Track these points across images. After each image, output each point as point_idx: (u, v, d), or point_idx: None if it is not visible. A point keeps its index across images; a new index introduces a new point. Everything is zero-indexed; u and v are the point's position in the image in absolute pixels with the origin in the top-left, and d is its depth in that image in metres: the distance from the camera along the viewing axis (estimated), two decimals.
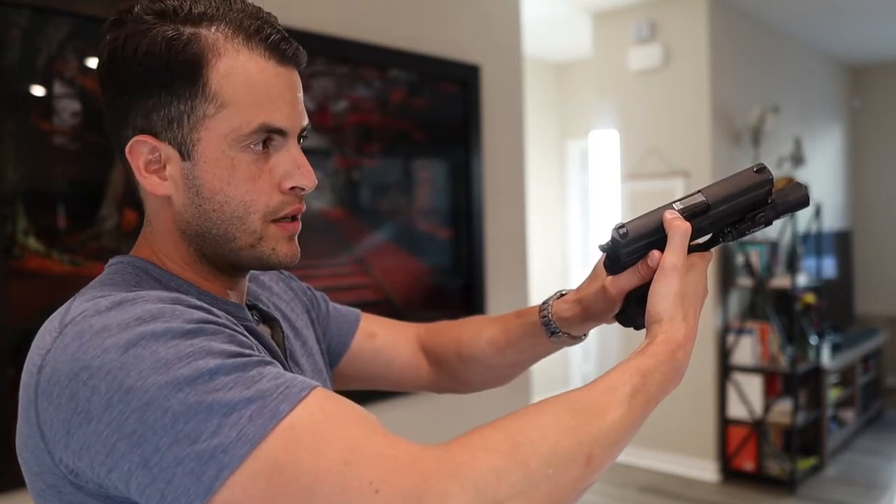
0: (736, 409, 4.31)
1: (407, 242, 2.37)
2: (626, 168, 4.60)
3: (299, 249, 0.76)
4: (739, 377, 4.30)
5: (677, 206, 0.78)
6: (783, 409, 4.22)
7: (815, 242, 4.87)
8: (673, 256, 0.75)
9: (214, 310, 0.66)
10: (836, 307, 5.24)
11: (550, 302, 0.93)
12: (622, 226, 0.78)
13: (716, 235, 0.82)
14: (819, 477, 4.39)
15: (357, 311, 1.06)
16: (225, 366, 0.58)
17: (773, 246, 4.40)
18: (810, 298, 4.52)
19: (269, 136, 0.70)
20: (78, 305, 0.63)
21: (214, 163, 0.69)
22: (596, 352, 5.18)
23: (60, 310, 0.65)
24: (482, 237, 2.59)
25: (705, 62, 4.28)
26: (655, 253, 0.77)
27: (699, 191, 0.80)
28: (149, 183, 0.71)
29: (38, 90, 1.57)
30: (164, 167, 0.70)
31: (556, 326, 0.92)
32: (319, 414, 0.57)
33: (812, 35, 5.30)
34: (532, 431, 0.61)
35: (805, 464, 4.35)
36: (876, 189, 6.50)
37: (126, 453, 0.56)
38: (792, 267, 4.33)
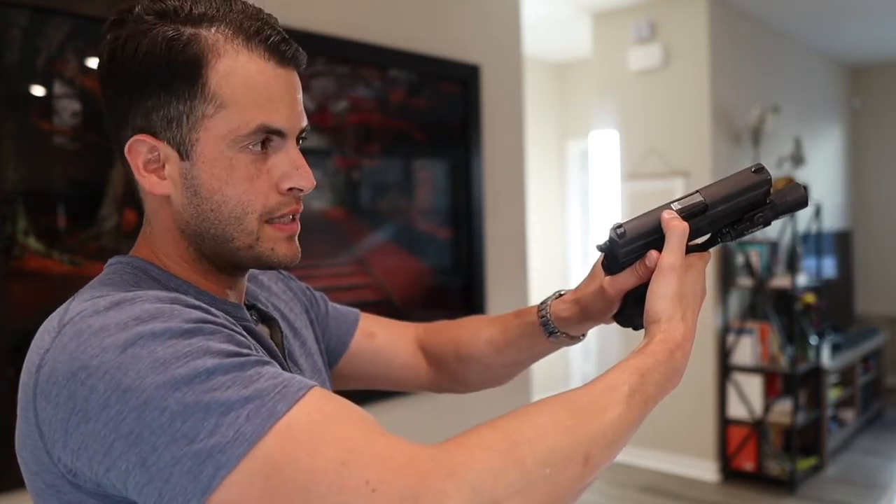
0: (736, 409, 4.31)
1: (407, 242, 2.37)
2: (626, 168, 4.60)
3: (300, 250, 0.76)
4: (739, 377, 4.30)
5: (675, 206, 0.78)
6: (783, 409, 4.22)
7: (815, 242, 4.87)
8: (671, 256, 0.75)
9: (213, 309, 0.66)
10: (836, 307, 5.24)
11: (549, 302, 0.94)
12: (620, 226, 0.78)
13: (714, 236, 0.82)
14: (819, 477, 4.39)
15: (356, 310, 1.06)
16: (223, 365, 0.58)
17: (773, 246, 4.40)
18: (810, 298, 4.52)
19: (267, 137, 0.70)
20: (77, 305, 0.64)
21: (213, 163, 0.69)
22: (596, 352, 5.18)
23: (59, 310, 0.65)
24: (482, 237, 2.59)
25: (705, 62, 4.28)
26: (653, 253, 0.77)
27: (697, 191, 0.80)
28: (148, 182, 0.71)
29: (38, 90, 1.57)
30: (163, 167, 0.70)
31: (555, 326, 0.92)
32: (317, 413, 0.57)
33: (812, 35, 5.30)
34: (529, 431, 0.61)
35: (805, 464, 4.35)
36: (876, 189, 6.50)
37: (124, 452, 0.56)
38: (792, 267, 4.33)
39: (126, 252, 0.77)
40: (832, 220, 5.84)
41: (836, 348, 4.83)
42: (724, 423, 4.35)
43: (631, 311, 0.85)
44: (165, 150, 0.70)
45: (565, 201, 6.05)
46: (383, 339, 1.04)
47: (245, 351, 0.61)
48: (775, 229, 4.40)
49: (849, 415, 5.04)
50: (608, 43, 4.68)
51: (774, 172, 4.65)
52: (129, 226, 1.69)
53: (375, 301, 2.25)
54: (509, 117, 2.75)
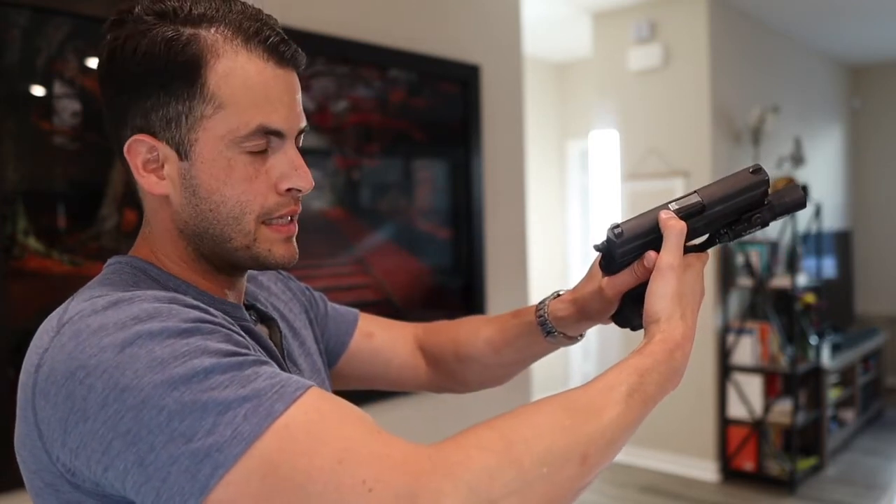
0: (736, 409, 4.31)
1: (407, 242, 2.37)
2: (626, 168, 4.60)
3: (297, 251, 0.76)
4: (739, 377, 4.30)
5: (673, 206, 0.78)
6: (783, 409, 4.22)
7: (815, 242, 4.87)
8: (669, 256, 0.75)
9: (211, 309, 0.66)
10: (836, 307, 5.24)
11: (547, 302, 0.93)
12: (617, 226, 0.78)
13: (712, 236, 0.82)
14: (819, 477, 4.39)
15: (355, 311, 1.06)
16: (220, 365, 0.58)
17: (773, 246, 4.40)
18: (810, 298, 4.52)
19: (266, 138, 0.70)
20: (75, 305, 0.64)
21: (211, 163, 0.69)
22: (596, 351, 5.18)
23: (58, 309, 0.65)
24: (482, 237, 2.59)
25: (705, 62, 4.28)
26: (652, 253, 0.77)
27: (695, 191, 0.80)
28: (146, 182, 0.71)
29: (38, 90, 1.57)
30: (162, 167, 0.71)
31: (552, 326, 0.92)
32: (314, 413, 0.58)
33: (812, 35, 5.30)
34: (527, 430, 0.60)
35: (805, 464, 4.35)
36: (876, 189, 6.50)
37: (122, 452, 0.56)
38: (792, 267, 4.33)
39: (126, 252, 0.77)
40: (832, 220, 5.84)
41: (836, 348, 4.83)
42: (724, 423, 4.35)
43: (629, 311, 0.85)
44: (164, 150, 0.70)
45: (565, 201, 6.05)
46: (382, 339, 1.04)
47: (243, 351, 0.62)
48: (775, 229, 4.40)
49: (849, 415, 5.04)
50: (608, 43, 4.68)
51: (774, 172, 4.65)
52: (129, 226, 1.69)
53: (375, 301, 2.25)
54: (509, 117, 2.76)
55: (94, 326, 0.60)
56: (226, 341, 0.61)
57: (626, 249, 0.78)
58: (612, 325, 0.90)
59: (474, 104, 2.56)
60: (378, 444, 0.57)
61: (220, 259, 0.74)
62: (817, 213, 4.84)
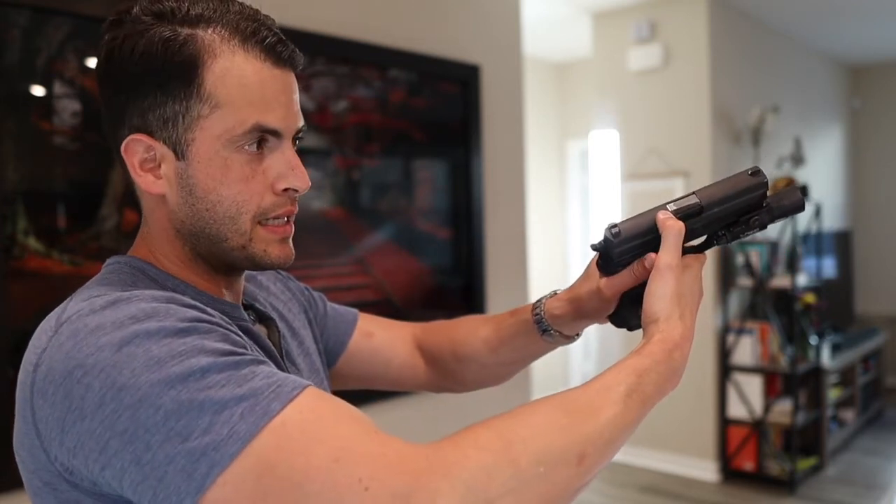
0: (736, 409, 4.31)
1: (407, 242, 2.37)
2: (626, 168, 4.60)
3: (293, 252, 0.76)
4: (739, 377, 4.30)
5: (671, 206, 0.78)
6: (783, 409, 4.22)
7: (815, 242, 4.87)
8: (667, 256, 0.75)
9: (209, 309, 0.66)
10: (836, 307, 5.24)
11: (543, 300, 0.94)
12: (615, 226, 0.78)
13: (710, 238, 0.82)
14: (819, 477, 4.39)
15: (354, 310, 1.06)
16: (217, 364, 0.58)
17: (773, 246, 4.40)
18: (810, 298, 4.52)
19: (263, 137, 0.70)
20: (74, 305, 0.64)
21: (208, 163, 0.69)
22: (596, 351, 5.18)
23: (57, 309, 0.66)
24: (482, 237, 2.59)
25: (705, 62, 4.28)
26: (652, 255, 0.77)
27: (693, 192, 0.80)
28: (143, 181, 0.71)
29: (38, 90, 1.57)
30: (159, 166, 0.71)
31: (548, 324, 0.92)
32: (310, 413, 0.58)
33: (812, 35, 5.30)
34: (524, 430, 0.60)
35: (805, 464, 4.35)
36: (876, 189, 6.50)
37: (119, 451, 0.57)
38: (792, 267, 4.33)
39: (125, 252, 0.77)
40: (832, 220, 5.84)
41: (836, 348, 4.83)
42: (724, 423, 4.35)
43: (626, 311, 0.85)
44: (161, 149, 0.70)
45: (565, 201, 6.05)
46: (381, 339, 1.04)
47: (240, 350, 0.62)
48: (775, 229, 4.40)
49: (849, 415, 5.04)
50: (608, 43, 4.68)
51: (774, 172, 4.65)
52: (129, 226, 1.69)
53: (375, 301, 2.26)
54: (509, 117, 2.76)
55: (92, 326, 0.60)
56: (223, 341, 0.61)
57: (623, 250, 0.78)
58: (613, 325, 0.90)
59: (474, 104, 2.56)
60: (374, 444, 0.57)
61: (216, 259, 0.74)
62: (817, 213, 4.84)
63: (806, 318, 4.49)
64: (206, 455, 0.55)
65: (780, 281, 4.28)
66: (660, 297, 0.74)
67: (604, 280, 0.84)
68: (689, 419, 4.38)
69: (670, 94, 4.42)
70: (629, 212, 4.43)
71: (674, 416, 4.36)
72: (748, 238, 0.87)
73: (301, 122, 0.74)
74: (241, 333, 0.67)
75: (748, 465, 4.29)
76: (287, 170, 0.72)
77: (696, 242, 0.82)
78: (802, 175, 5.00)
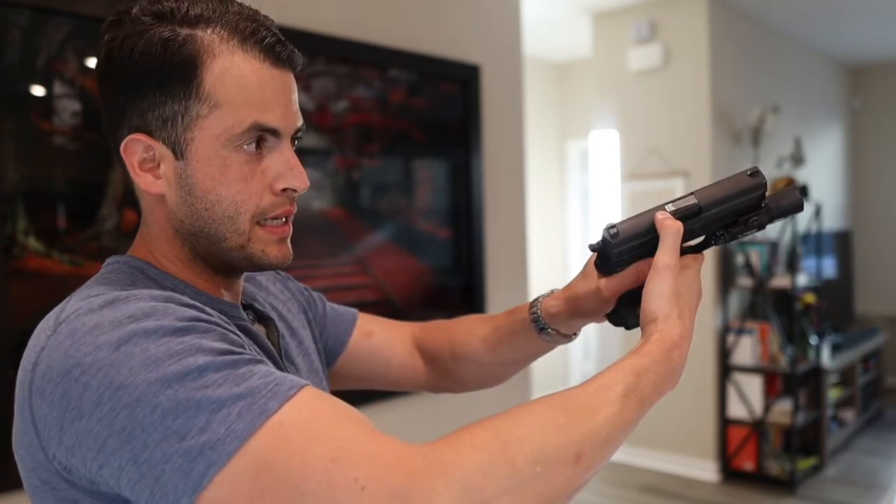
0: (736, 409, 4.31)
1: (407, 242, 2.37)
2: (626, 168, 4.60)
3: (291, 252, 0.77)
4: (739, 377, 4.30)
5: (669, 207, 0.78)
6: (783, 409, 4.22)
7: (815, 242, 4.87)
8: (665, 256, 0.75)
9: (207, 308, 0.66)
10: (836, 307, 5.24)
11: (540, 299, 0.94)
12: (613, 226, 0.78)
13: (708, 238, 0.82)
14: (819, 477, 4.39)
15: (354, 310, 1.06)
16: (215, 363, 0.58)
17: (773, 246, 4.40)
18: (810, 298, 4.52)
19: (261, 137, 0.71)
20: (73, 304, 0.64)
21: (207, 162, 0.70)
22: (596, 351, 5.18)
23: (56, 308, 0.66)
24: (482, 237, 2.59)
25: (705, 62, 4.28)
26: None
27: (692, 193, 0.80)
28: (143, 181, 0.72)
29: (38, 90, 1.57)
30: (158, 166, 0.71)
31: (545, 322, 0.92)
32: (308, 412, 0.58)
33: (812, 35, 5.30)
34: (520, 430, 0.60)
35: (805, 464, 4.35)
36: (876, 189, 6.50)
37: (116, 450, 0.57)
38: (792, 267, 4.33)
39: (124, 252, 0.77)
40: (832, 220, 5.84)
41: (836, 348, 4.83)
42: (724, 423, 4.35)
43: (624, 311, 0.85)
44: (160, 149, 0.70)
45: (565, 201, 6.05)
46: (381, 339, 1.04)
47: (238, 349, 0.62)
48: (775, 229, 4.40)
49: (849, 415, 5.04)
50: (608, 43, 4.68)
51: (774, 172, 4.65)
52: (129, 226, 1.69)
53: (375, 301, 2.26)
54: (509, 117, 2.76)
55: (90, 325, 0.60)
56: (221, 340, 0.62)
57: (621, 250, 0.78)
58: (611, 324, 0.90)
59: (474, 104, 2.56)
60: (372, 444, 0.56)
61: (214, 259, 0.74)
62: (817, 213, 4.84)
63: (806, 318, 4.49)
64: (203, 454, 0.55)
65: (780, 281, 4.29)
66: (658, 297, 0.74)
67: (603, 280, 0.84)
68: (689, 419, 4.38)
69: (670, 94, 4.42)
70: (629, 212, 4.43)
71: (674, 415, 4.36)
72: (748, 238, 0.87)
73: (300, 122, 0.74)
74: (239, 333, 0.67)
75: (748, 465, 4.29)
76: (286, 170, 0.72)
77: (694, 242, 0.82)
78: (802, 175, 5.00)
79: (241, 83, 0.68)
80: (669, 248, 0.75)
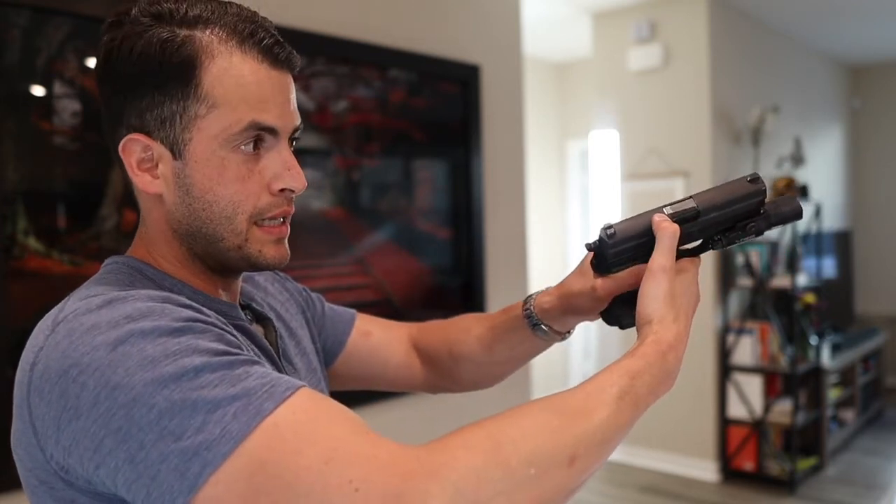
0: (736, 409, 4.31)
1: (407, 242, 2.38)
2: (626, 168, 4.60)
3: (289, 252, 0.77)
4: (739, 377, 4.30)
5: (667, 210, 0.78)
6: (783, 409, 4.22)
7: (815, 242, 4.87)
8: (662, 258, 0.75)
9: (204, 309, 0.66)
10: (836, 307, 5.24)
11: (534, 295, 0.94)
12: (610, 226, 0.78)
13: (705, 242, 0.82)
14: (819, 477, 4.39)
15: (352, 310, 1.07)
16: (211, 364, 0.58)
17: (773, 246, 4.40)
18: (810, 298, 4.52)
19: (259, 136, 0.71)
20: (71, 304, 0.64)
21: (205, 162, 0.70)
22: (596, 351, 5.18)
23: (55, 309, 0.66)
24: (482, 237, 2.59)
25: (705, 62, 4.28)
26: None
27: (691, 196, 0.79)
28: (141, 181, 0.72)
29: (38, 90, 1.57)
30: (157, 166, 0.71)
31: (538, 318, 0.92)
32: (303, 413, 0.58)
33: (812, 35, 5.30)
34: (514, 431, 0.60)
35: (805, 464, 4.35)
36: (876, 189, 6.49)
37: (113, 449, 0.57)
38: (792, 267, 4.33)
39: (124, 252, 0.77)
40: (832, 220, 5.84)
41: (836, 348, 4.83)
42: (724, 423, 4.36)
43: (619, 310, 0.85)
44: (159, 149, 0.70)
45: (565, 201, 6.05)
46: (379, 339, 1.04)
47: (234, 350, 0.62)
48: (775, 230, 4.39)
49: (849, 415, 5.04)
50: (608, 43, 4.68)
51: (774, 172, 4.65)
52: (128, 226, 1.69)
53: (375, 301, 2.26)
54: (509, 117, 2.76)
55: (88, 325, 0.60)
56: (217, 341, 0.62)
57: (618, 250, 0.78)
58: (605, 323, 0.90)
59: (474, 104, 2.56)
60: (366, 445, 0.57)
61: (212, 259, 0.75)
62: (817, 213, 4.83)
63: (806, 318, 4.49)
64: (199, 454, 0.55)
65: (780, 281, 4.29)
66: (653, 299, 0.74)
67: (599, 280, 0.84)
68: (689, 419, 4.38)
69: (670, 94, 4.42)
70: (629, 212, 4.43)
71: (674, 416, 4.36)
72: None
73: (298, 122, 0.74)
74: (237, 333, 0.68)
75: (748, 465, 4.29)
76: (283, 170, 0.72)
77: (691, 246, 0.82)
78: (802, 175, 5.00)
79: (239, 83, 0.69)
80: (666, 250, 0.75)
